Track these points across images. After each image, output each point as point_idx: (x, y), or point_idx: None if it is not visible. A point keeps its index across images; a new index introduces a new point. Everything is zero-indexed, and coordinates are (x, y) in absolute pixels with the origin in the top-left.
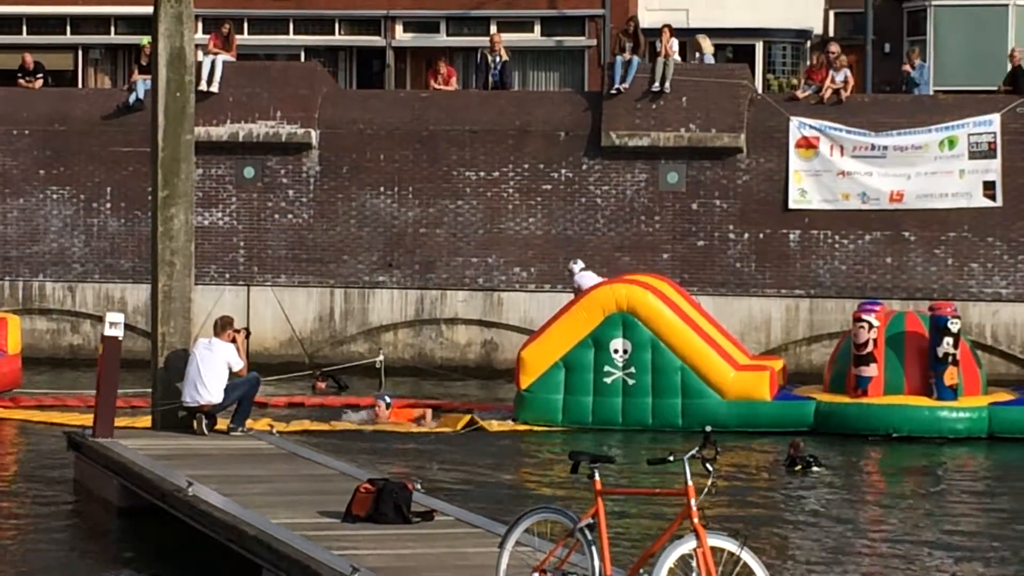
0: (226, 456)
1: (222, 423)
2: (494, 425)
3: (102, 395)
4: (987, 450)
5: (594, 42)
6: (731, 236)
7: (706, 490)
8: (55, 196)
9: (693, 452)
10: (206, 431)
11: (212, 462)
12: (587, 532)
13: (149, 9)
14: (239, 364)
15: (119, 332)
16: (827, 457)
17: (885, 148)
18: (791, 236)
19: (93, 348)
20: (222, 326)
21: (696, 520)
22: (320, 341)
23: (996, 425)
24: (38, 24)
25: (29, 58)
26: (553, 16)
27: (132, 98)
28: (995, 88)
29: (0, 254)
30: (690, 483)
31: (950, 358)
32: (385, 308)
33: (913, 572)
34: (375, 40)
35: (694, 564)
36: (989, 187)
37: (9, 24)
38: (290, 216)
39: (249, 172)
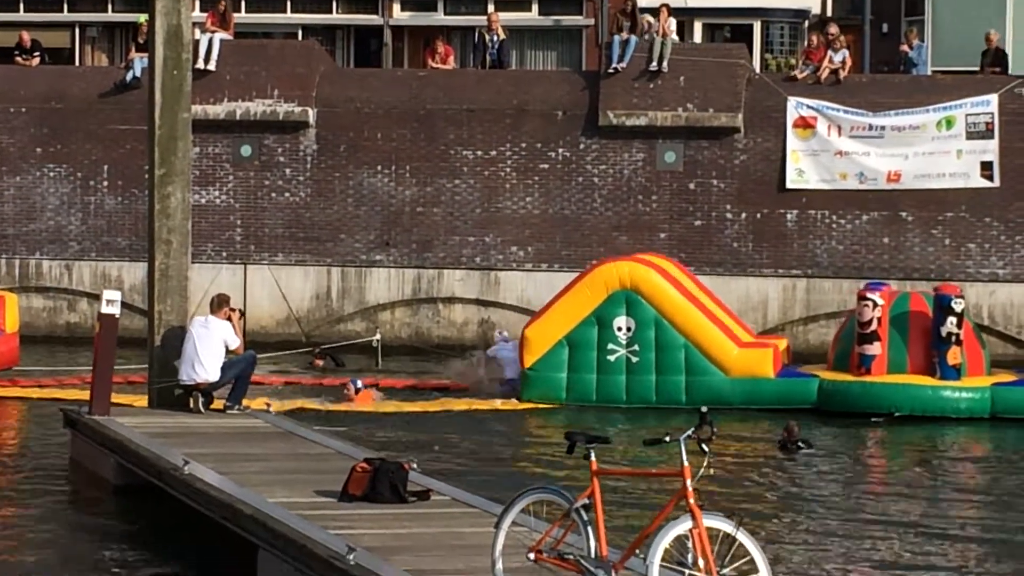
0: (222, 434)
1: (218, 402)
2: (497, 404)
3: (98, 373)
4: (989, 430)
5: (592, 21)
6: (728, 216)
7: (702, 471)
8: (52, 174)
9: (689, 433)
10: (202, 409)
11: (208, 440)
12: (583, 512)
13: None
14: (235, 342)
15: (116, 310)
16: (828, 436)
17: (883, 128)
18: (788, 216)
19: (90, 326)
20: (218, 304)
21: (692, 501)
22: (317, 320)
23: (999, 405)
24: (35, 2)
25: (26, 36)
26: None
27: (129, 76)
28: (976, 69)
29: None
30: (686, 464)
31: (953, 338)
32: (382, 287)
33: (910, 553)
34: (373, 19)
35: (690, 545)
36: (986, 167)
37: (6, 2)
38: (287, 195)
39: (246, 150)
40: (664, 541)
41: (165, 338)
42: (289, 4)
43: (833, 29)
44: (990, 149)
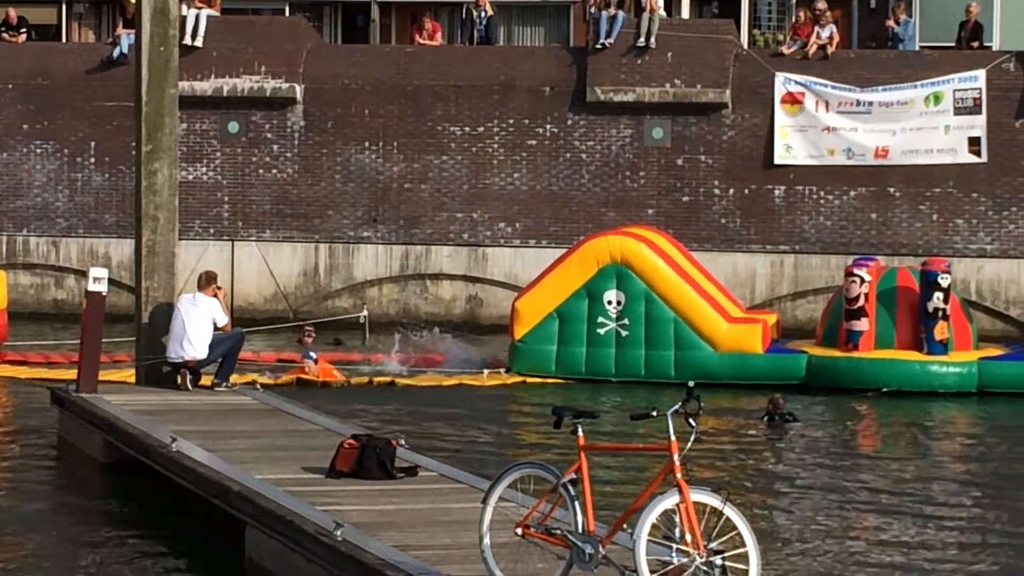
0: (210, 412)
1: (206, 379)
2: (485, 378)
3: (86, 350)
4: (977, 405)
5: None
6: (716, 192)
7: (688, 445)
8: (39, 151)
9: (676, 407)
10: (190, 386)
11: (196, 418)
12: (570, 487)
13: None
14: (224, 319)
15: (103, 288)
16: (816, 412)
17: (870, 104)
18: (776, 192)
19: (77, 303)
20: (206, 281)
21: (679, 475)
22: (304, 296)
23: (986, 380)
24: None
25: (12, 12)
26: None
27: (116, 52)
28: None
29: None
30: (673, 438)
31: (940, 313)
32: (370, 263)
33: (896, 526)
34: None
35: (677, 519)
36: (974, 143)
37: None
38: (274, 171)
39: (233, 127)
40: (651, 516)
41: (152, 315)
42: None
43: (820, 5)
44: (978, 125)
